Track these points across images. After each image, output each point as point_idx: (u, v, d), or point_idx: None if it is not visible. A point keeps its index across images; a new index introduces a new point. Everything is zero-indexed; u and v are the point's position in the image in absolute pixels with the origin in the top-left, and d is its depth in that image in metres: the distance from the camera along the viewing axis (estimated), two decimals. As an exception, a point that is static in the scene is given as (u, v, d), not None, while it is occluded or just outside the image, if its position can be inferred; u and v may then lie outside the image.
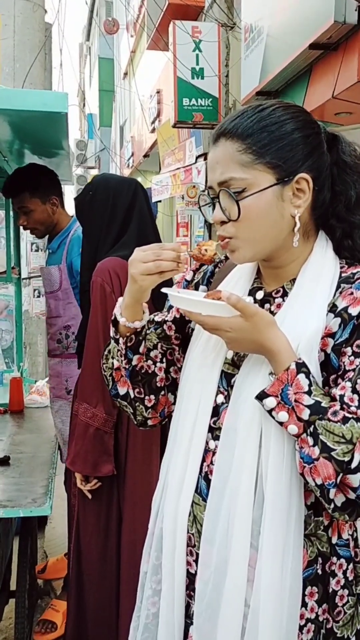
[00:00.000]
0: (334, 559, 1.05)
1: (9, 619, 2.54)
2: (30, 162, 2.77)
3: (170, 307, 1.27)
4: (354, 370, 0.96)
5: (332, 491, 0.92)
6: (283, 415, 0.95)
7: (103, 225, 2.08)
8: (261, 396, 0.97)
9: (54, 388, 2.81)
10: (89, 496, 2.05)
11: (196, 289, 1.25)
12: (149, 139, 12.17)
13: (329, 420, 0.93)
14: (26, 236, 4.40)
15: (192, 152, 8.48)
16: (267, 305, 1.11)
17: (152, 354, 1.22)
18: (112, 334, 1.19)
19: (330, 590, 1.04)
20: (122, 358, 1.19)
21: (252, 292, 1.14)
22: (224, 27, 7.12)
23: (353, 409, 0.93)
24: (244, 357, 1.07)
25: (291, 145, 1.03)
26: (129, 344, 1.17)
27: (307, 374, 0.95)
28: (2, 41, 4.00)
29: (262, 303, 1.11)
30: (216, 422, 1.09)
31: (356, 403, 0.94)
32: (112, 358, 1.21)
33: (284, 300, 1.08)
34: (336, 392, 0.96)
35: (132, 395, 1.22)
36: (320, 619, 1.04)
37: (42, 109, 1.76)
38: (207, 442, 1.10)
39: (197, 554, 1.07)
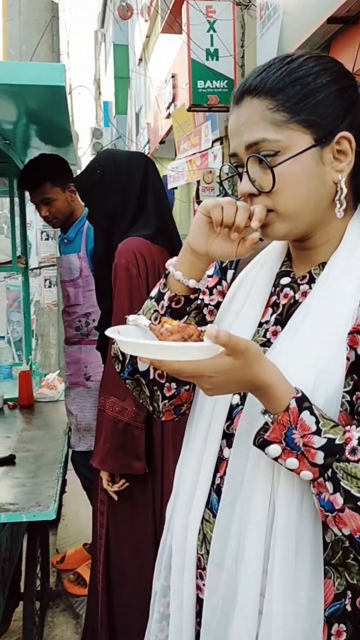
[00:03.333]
0: None
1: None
2: (36, 149, 2.66)
3: (212, 288, 1.10)
4: None
5: None
6: (292, 462, 0.80)
7: (117, 205, 1.88)
8: (262, 444, 0.81)
9: (72, 375, 2.80)
10: (115, 498, 1.88)
11: (224, 273, 1.10)
12: (165, 126, 11.99)
13: (349, 460, 0.78)
14: (35, 225, 4.28)
15: (208, 137, 8.29)
16: (290, 292, 0.96)
17: None
18: (158, 288, 1.01)
19: None
20: (155, 321, 1.00)
21: (279, 276, 0.99)
22: (239, 5, 6.91)
23: None
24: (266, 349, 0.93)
25: (329, 99, 0.87)
26: (174, 306, 0.98)
27: (311, 409, 0.80)
28: (8, 22, 3.88)
29: (283, 288, 0.97)
30: (230, 427, 0.95)
31: None
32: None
33: (310, 288, 0.94)
34: None
35: (152, 376, 1.04)
36: None
37: (37, 82, 1.63)
38: (221, 450, 0.96)
39: None
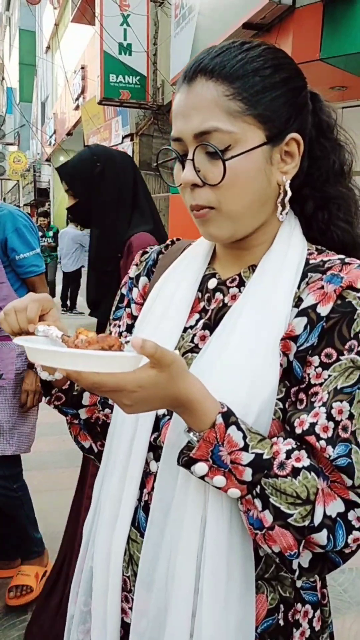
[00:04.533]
0: (299, 606, 0.88)
1: None
2: None
3: (122, 316, 1.05)
4: (321, 385, 0.79)
5: (295, 562, 0.76)
6: (220, 480, 0.75)
7: (116, 199, 1.94)
8: (187, 463, 0.76)
9: None
10: None
11: (137, 281, 1.04)
12: (73, 117, 11.77)
13: (277, 476, 0.75)
14: None
15: (119, 132, 8.22)
16: (219, 296, 0.92)
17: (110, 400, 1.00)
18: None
19: None
20: (64, 415, 1.00)
21: (204, 280, 0.95)
22: (153, 1, 6.89)
23: (322, 443, 0.76)
24: (191, 359, 0.88)
25: (285, 97, 0.83)
26: (56, 403, 0.97)
27: (237, 424, 0.75)
28: None
29: (213, 292, 0.93)
30: (157, 439, 0.89)
31: (329, 433, 0.76)
32: None
33: (240, 291, 0.90)
34: (306, 419, 0.78)
35: (96, 450, 1.02)
36: None
37: None
38: (147, 464, 0.90)
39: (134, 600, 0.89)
